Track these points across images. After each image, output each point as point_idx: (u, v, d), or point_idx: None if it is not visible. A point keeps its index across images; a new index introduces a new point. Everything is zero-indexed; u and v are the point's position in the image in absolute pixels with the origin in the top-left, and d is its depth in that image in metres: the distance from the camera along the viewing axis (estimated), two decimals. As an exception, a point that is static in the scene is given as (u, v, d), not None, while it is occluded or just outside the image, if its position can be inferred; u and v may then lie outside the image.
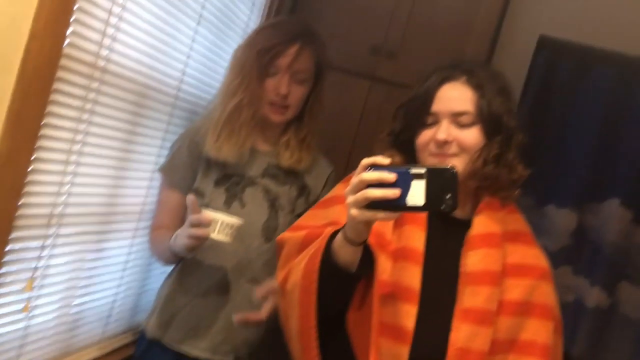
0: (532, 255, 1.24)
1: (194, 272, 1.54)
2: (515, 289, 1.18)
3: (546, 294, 1.21)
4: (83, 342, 1.53)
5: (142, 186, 1.60)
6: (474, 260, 1.17)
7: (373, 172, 0.96)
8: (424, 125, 1.22)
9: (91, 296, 1.52)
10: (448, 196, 0.94)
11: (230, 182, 1.55)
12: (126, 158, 1.49)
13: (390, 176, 0.95)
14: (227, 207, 1.53)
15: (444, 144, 1.18)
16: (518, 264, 1.20)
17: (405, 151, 1.27)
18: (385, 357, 1.11)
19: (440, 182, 0.94)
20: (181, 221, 1.46)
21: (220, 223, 1.34)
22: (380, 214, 0.97)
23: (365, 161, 0.98)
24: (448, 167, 0.95)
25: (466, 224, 1.22)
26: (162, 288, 1.60)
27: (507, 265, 1.19)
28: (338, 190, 1.32)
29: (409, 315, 1.13)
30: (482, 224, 1.21)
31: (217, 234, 1.34)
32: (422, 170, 0.95)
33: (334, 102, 2.10)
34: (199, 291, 1.53)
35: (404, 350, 1.12)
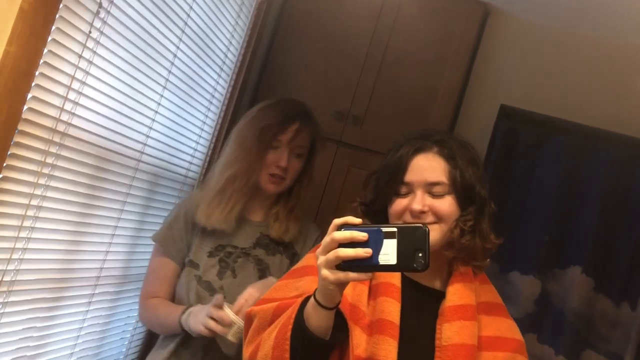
0: (507, 328, 1.23)
1: (190, 345, 1.59)
2: None
3: None
4: (29, 416, 1.45)
5: (100, 250, 1.56)
6: (449, 333, 1.15)
7: (344, 232, 0.96)
8: (398, 195, 1.22)
9: (41, 366, 1.44)
10: (420, 255, 0.94)
11: (224, 252, 1.63)
12: (84, 222, 1.46)
13: (362, 235, 0.95)
14: (220, 277, 1.59)
15: (420, 213, 1.19)
16: (494, 337, 1.19)
17: (378, 220, 1.27)
18: None
19: (412, 240, 0.94)
20: (173, 290, 1.63)
21: (238, 327, 1.40)
22: (352, 274, 0.96)
23: (337, 221, 0.98)
24: (419, 225, 0.96)
25: (440, 295, 1.21)
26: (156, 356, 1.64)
27: (482, 338, 1.17)
28: (308, 260, 1.30)
29: None
30: (457, 294, 1.20)
31: (231, 337, 1.42)
32: (394, 229, 0.95)
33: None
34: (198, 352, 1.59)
35: None
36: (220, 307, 1.42)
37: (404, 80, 2.13)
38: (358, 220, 0.98)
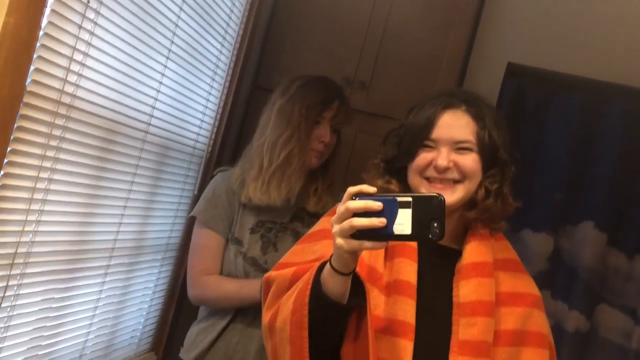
0: (524, 283, 1.24)
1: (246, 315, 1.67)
2: (510, 318, 1.17)
3: (540, 322, 1.20)
4: (53, 384, 1.49)
5: (113, 222, 1.59)
6: (466, 290, 1.16)
7: (359, 201, 0.95)
8: (422, 149, 1.22)
9: (61, 337, 1.48)
10: (435, 224, 0.93)
11: (264, 228, 1.69)
12: (96, 195, 1.48)
13: (377, 205, 0.94)
14: (263, 253, 1.68)
15: (444, 169, 1.18)
16: (511, 293, 1.20)
17: (398, 178, 1.27)
18: None
19: (428, 210, 0.93)
20: (221, 264, 1.69)
21: None
22: (367, 244, 0.96)
23: (351, 189, 0.98)
24: (435, 195, 0.94)
25: (457, 254, 1.21)
26: (201, 327, 1.70)
27: (500, 294, 1.18)
28: (324, 223, 1.30)
29: (405, 351, 1.10)
30: (474, 252, 1.20)
31: None
32: (409, 199, 0.94)
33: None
34: (245, 327, 1.67)
35: None
36: None
37: (409, 44, 2.11)
38: (373, 189, 0.97)
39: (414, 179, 1.22)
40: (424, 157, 1.21)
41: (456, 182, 1.19)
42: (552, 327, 1.96)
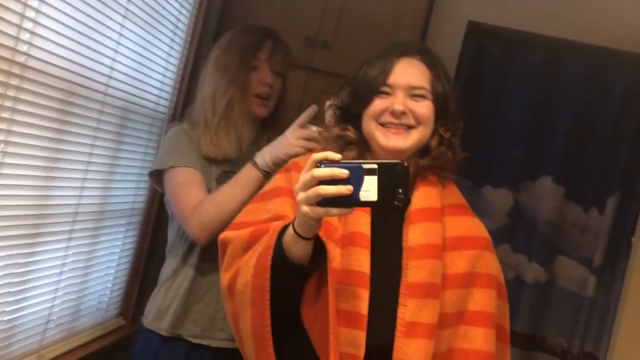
0: (473, 226, 1.27)
1: (211, 268, 1.57)
2: (460, 261, 1.20)
3: (489, 263, 1.24)
4: (20, 350, 1.48)
5: (75, 186, 1.56)
6: (415, 234, 1.19)
7: (325, 169, 0.95)
8: (378, 96, 1.22)
9: (26, 302, 1.46)
10: (400, 190, 0.94)
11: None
12: (56, 158, 1.45)
13: (343, 172, 0.94)
14: None
15: (401, 114, 1.19)
16: (460, 237, 1.23)
17: (354, 124, 1.27)
18: (344, 345, 1.11)
19: (392, 177, 0.95)
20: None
21: None
22: (334, 211, 0.96)
23: (316, 156, 0.97)
24: (400, 162, 0.96)
25: (407, 202, 1.23)
26: (172, 288, 1.60)
27: (450, 239, 1.21)
28: (277, 181, 1.30)
29: (362, 300, 1.13)
30: (422, 198, 1.23)
31: None
32: (374, 166, 0.95)
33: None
34: (212, 286, 1.59)
35: (361, 336, 1.11)
36: (303, 126, 1.47)
37: (371, 3, 2.10)
38: (338, 156, 0.97)
39: (369, 125, 1.23)
40: (379, 103, 1.22)
41: (410, 127, 1.21)
42: (512, 280, 2.05)
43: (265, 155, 1.49)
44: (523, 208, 2.09)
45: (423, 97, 1.22)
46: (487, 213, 2.06)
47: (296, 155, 1.40)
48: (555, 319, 2.06)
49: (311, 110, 1.48)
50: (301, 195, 0.97)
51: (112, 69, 1.60)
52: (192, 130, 1.62)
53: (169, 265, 1.63)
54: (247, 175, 1.50)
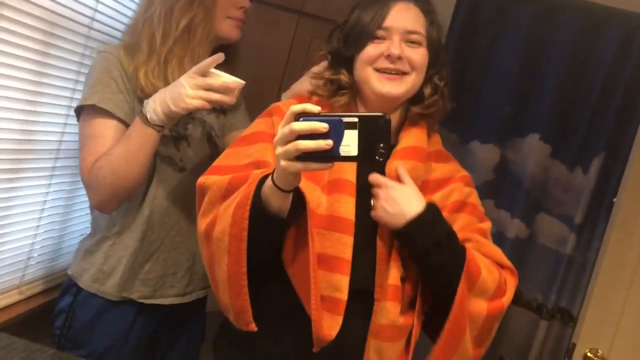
0: (455, 169, 1.31)
1: (154, 228, 1.43)
2: (453, 194, 1.24)
3: (468, 194, 1.27)
4: (0, 286, 1.47)
5: (58, 122, 1.52)
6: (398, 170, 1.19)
7: (304, 123, 0.92)
8: (372, 41, 1.20)
9: (6, 238, 1.44)
10: (381, 145, 0.92)
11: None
12: (38, 92, 1.40)
13: (323, 126, 0.91)
14: (176, 147, 1.43)
15: (397, 59, 1.18)
16: (442, 179, 1.26)
17: (346, 69, 1.25)
18: (327, 289, 1.12)
19: (373, 130, 0.92)
20: None
21: (238, 89, 1.28)
22: (313, 165, 0.94)
23: (295, 108, 0.93)
24: (381, 114, 0.93)
25: (394, 147, 1.23)
26: (116, 247, 1.42)
27: (432, 181, 1.23)
28: (258, 125, 1.27)
29: (346, 245, 1.14)
30: (411, 137, 1.24)
31: (235, 98, 1.29)
32: (355, 120, 0.91)
33: (262, 37, 2.06)
34: (161, 243, 1.45)
35: (344, 281, 1.13)
36: (205, 74, 1.24)
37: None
38: (317, 109, 0.93)
39: (363, 70, 1.21)
40: (374, 47, 1.20)
41: (404, 74, 1.19)
42: (494, 234, 2.04)
43: (157, 108, 1.26)
44: (509, 164, 2.09)
45: (418, 43, 1.21)
46: (474, 168, 2.06)
47: (195, 109, 1.26)
48: (533, 274, 2.10)
49: (216, 57, 1.25)
50: (279, 150, 0.94)
51: (97, 1, 1.53)
52: (127, 58, 1.36)
53: (111, 218, 1.41)
54: (139, 133, 1.28)
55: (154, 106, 1.27)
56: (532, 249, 2.09)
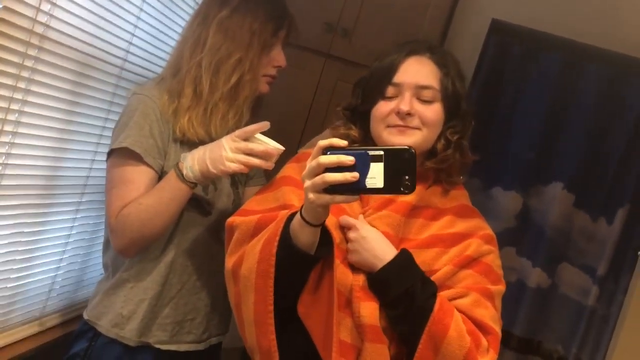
0: (478, 226, 1.25)
1: (174, 271, 1.42)
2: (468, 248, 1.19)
3: (485, 253, 1.21)
4: (21, 317, 1.50)
5: (86, 159, 1.56)
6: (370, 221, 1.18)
7: (331, 156, 0.95)
8: (384, 97, 1.22)
9: (31, 270, 1.48)
10: (407, 177, 0.94)
11: None
12: (68, 129, 1.44)
13: (349, 159, 0.94)
14: (205, 193, 1.43)
15: (406, 115, 1.18)
16: (463, 234, 1.22)
17: (361, 124, 1.27)
18: (345, 329, 1.11)
19: (399, 163, 0.94)
20: None
21: (277, 155, 1.27)
22: (339, 197, 0.96)
23: (322, 143, 0.97)
24: (406, 147, 0.95)
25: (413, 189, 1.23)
26: (136, 290, 1.39)
27: (449, 235, 1.20)
28: (287, 171, 1.31)
29: None
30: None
31: (273, 164, 1.28)
32: (380, 152, 0.94)
33: (288, 79, 2.08)
34: (182, 287, 1.43)
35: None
36: (247, 138, 1.25)
37: (394, -8, 2.07)
38: (344, 143, 0.96)
39: (377, 127, 1.23)
40: (385, 104, 1.22)
41: (415, 128, 1.20)
42: (514, 282, 2.04)
43: (195, 166, 1.27)
44: (532, 212, 2.07)
45: (431, 100, 1.20)
46: (496, 215, 2.04)
47: (233, 173, 1.26)
48: (554, 325, 2.06)
49: (262, 125, 1.26)
50: (307, 183, 0.97)
51: (130, 43, 1.58)
52: (169, 100, 1.36)
53: (131, 259, 1.39)
54: (172, 187, 1.29)
55: (192, 163, 1.28)
56: (554, 299, 2.05)
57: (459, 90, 1.24)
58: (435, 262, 1.16)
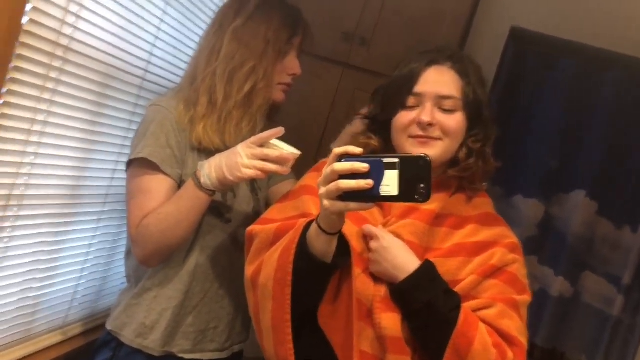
0: (502, 234, 1.23)
1: (197, 279, 1.42)
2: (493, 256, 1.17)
3: (510, 262, 1.19)
4: (44, 327, 1.51)
5: (108, 169, 1.57)
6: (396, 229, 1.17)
7: (345, 163, 0.94)
8: (405, 107, 1.21)
9: (53, 280, 1.49)
10: (422, 186, 0.93)
11: None
12: (91, 140, 1.46)
13: (363, 167, 0.93)
14: (223, 199, 1.44)
15: (428, 126, 1.18)
16: (487, 242, 1.20)
17: (381, 134, 1.26)
18: (366, 340, 1.10)
19: (414, 171, 0.93)
20: None
21: (293, 160, 1.27)
22: (353, 205, 0.96)
23: (337, 151, 0.97)
24: (422, 155, 0.94)
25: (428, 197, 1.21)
26: (159, 300, 1.39)
27: (472, 244, 1.18)
28: (307, 180, 1.31)
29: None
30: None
31: (289, 168, 1.28)
32: (395, 160, 0.93)
33: (306, 88, 2.09)
34: (205, 296, 1.44)
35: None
36: (263, 144, 1.25)
37: (412, 2, 2.07)
38: (359, 150, 0.96)
39: (398, 137, 1.22)
40: (405, 115, 1.20)
41: (437, 139, 1.19)
42: (537, 292, 2.01)
43: (212, 174, 1.28)
44: (554, 220, 2.05)
45: (453, 110, 1.19)
46: (517, 223, 2.02)
47: (249, 179, 1.26)
48: (578, 335, 2.03)
49: (276, 131, 1.26)
50: (322, 190, 0.97)
51: (151, 54, 1.60)
52: (185, 109, 1.38)
53: (154, 268, 1.40)
54: (190, 196, 1.30)
55: (209, 171, 1.28)
56: (577, 309, 2.02)
57: (480, 97, 1.22)
58: (459, 272, 1.15)
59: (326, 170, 0.96)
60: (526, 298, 1.17)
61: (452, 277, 1.13)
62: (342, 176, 0.95)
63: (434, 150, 1.18)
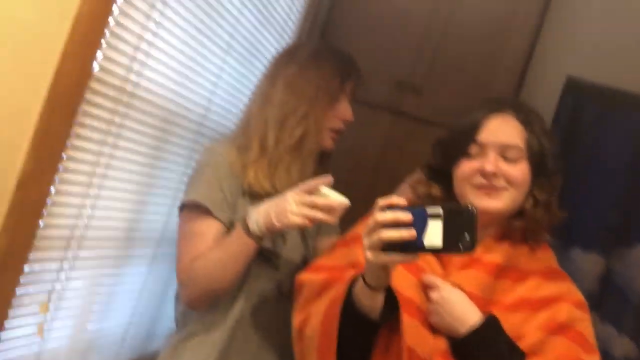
0: (568, 290, 1.19)
1: (244, 326, 1.40)
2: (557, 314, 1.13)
3: (578, 320, 1.14)
4: (95, 366, 1.51)
5: (163, 212, 1.60)
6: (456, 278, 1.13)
7: (387, 213, 0.92)
8: (467, 156, 1.18)
9: (106, 320, 1.50)
10: (467, 237, 0.90)
11: None
12: (149, 183, 1.49)
13: (406, 216, 0.91)
14: (272, 246, 1.43)
15: (492, 175, 1.15)
16: (551, 297, 1.15)
17: (443, 184, 1.24)
18: None
19: (459, 222, 0.90)
20: None
21: (341, 209, 1.24)
22: (397, 257, 0.93)
23: (381, 202, 0.95)
24: (467, 206, 0.92)
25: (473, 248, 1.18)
26: (204, 344, 1.37)
27: (537, 300, 1.14)
28: (358, 228, 1.29)
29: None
30: (487, 250, 1.17)
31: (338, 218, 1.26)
32: (439, 211, 0.91)
33: (356, 136, 2.10)
34: (249, 343, 1.41)
35: None
36: (312, 192, 1.24)
37: (466, 50, 2.07)
38: (403, 201, 0.94)
39: (461, 187, 1.19)
40: (468, 164, 1.18)
41: (502, 189, 1.15)
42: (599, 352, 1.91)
43: (260, 220, 1.26)
44: (615, 276, 1.96)
45: (517, 159, 1.16)
46: (575, 277, 1.93)
47: (296, 227, 1.25)
48: (643, 400, 1.91)
49: (325, 179, 1.25)
50: (366, 241, 0.95)
51: (210, 101, 1.64)
52: (238, 156, 1.40)
53: (201, 312, 1.39)
54: (238, 241, 1.29)
55: (257, 217, 1.27)
56: (644, 372, 1.91)
57: (545, 147, 1.19)
58: (523, 327, 1.09)
59: (369, 221, 0.95)
60: (595, 358, 1.11)
61: (515, 333, 1.08)
62: (385, 227, 0.92)
63: (501, 201, 1.15)
